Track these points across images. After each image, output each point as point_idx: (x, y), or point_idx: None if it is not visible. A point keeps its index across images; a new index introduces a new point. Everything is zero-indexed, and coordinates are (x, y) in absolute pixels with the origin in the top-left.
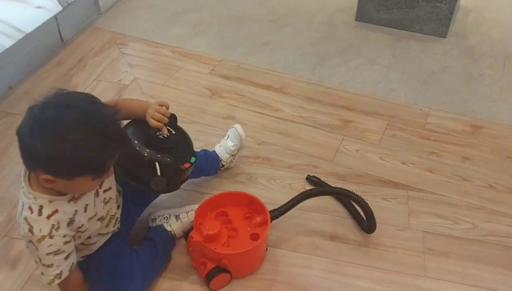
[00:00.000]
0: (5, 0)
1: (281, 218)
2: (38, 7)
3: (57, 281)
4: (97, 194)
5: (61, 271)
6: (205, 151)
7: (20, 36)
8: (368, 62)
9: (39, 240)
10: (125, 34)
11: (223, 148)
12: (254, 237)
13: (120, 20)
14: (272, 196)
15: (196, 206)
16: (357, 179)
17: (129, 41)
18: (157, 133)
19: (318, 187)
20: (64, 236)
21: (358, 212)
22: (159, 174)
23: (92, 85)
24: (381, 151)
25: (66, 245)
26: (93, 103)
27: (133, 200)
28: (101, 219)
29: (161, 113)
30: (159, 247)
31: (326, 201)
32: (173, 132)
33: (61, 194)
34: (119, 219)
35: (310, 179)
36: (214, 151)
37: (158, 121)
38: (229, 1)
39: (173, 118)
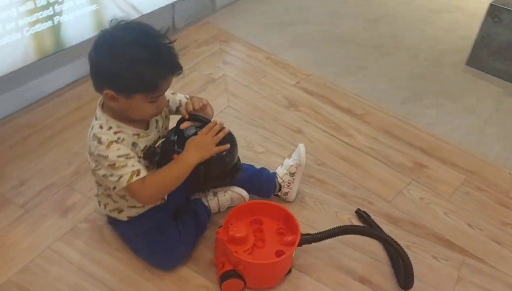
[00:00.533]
0: None
1: (318, 244)
2: None
3: (135, 178)
4: (155, 144)
5: (139, 170)
6: (263, 168)
7: (136, 16)
8: (465, 110)
9: (108, 146)
10: (230, 33)
11: (284, 165)
12: (279, 253)
13: (231, 19)
14: (314, 218)
15: (235, 188)
16: (411, 228)
17: (231, 40)
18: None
19: (361, 226)
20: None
21: (400, 263)
22: (157, 144)
23: (185, 73)
24: (448, 206)
25: (134, 152)
26: (149, 28)
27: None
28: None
29: (192, 104)
30: (200, 218)
31: (369, 240)
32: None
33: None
34: None
35: (359, 213)
36: (275, 172)
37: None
38: (338, 19)
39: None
